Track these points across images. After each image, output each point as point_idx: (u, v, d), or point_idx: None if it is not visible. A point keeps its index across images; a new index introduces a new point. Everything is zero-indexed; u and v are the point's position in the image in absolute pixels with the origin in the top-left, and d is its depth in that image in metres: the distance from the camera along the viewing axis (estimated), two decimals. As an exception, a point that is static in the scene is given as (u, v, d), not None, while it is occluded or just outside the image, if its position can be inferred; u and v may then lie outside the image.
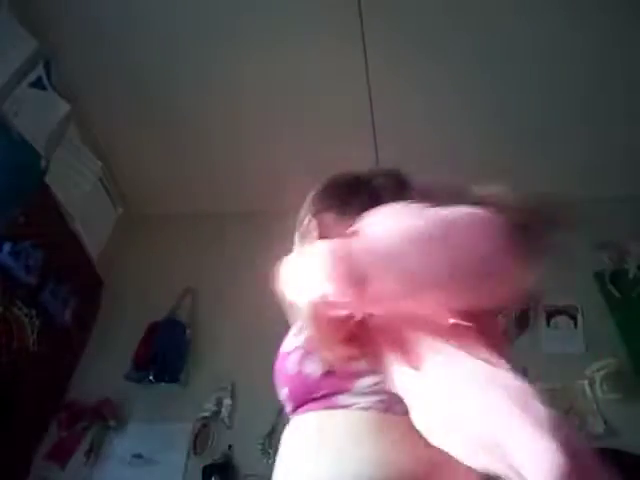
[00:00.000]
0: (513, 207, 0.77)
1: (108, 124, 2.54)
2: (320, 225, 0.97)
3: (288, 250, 0.88)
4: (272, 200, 2.77)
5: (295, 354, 0.96)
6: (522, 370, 0.73)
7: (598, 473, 0.60)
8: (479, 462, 0.68)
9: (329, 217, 0.98)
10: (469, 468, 0.69)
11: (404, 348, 0.76)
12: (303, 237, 0.99)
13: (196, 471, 2.04)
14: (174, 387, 2.20)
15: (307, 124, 2.46)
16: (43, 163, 2.16)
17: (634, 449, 1.84)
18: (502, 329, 0.80)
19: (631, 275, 2.31)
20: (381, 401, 0.82)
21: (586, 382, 2.05)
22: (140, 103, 2.44)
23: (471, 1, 2.05)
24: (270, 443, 2.01)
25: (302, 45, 2.19)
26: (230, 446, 2.06)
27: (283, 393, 0.97)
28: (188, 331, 2.35)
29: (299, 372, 0.93)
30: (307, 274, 0.74)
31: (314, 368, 0.91)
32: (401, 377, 0.77)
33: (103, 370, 2.32)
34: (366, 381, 0.85)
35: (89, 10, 2.16)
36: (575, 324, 2.23)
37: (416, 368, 0.74)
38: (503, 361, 0.70)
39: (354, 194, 0.97)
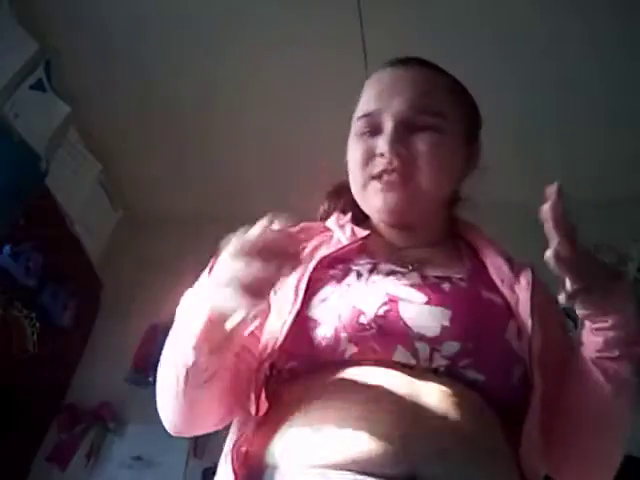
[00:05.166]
0: None
1: (108, 126, 2.54)
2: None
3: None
4: (273, 202, 2.77)
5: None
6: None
7: None
8: None
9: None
10: None
11: None
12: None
13: (196, 473, 2.03)
14: (174, 389, 2.20)
15: (308, 125, 2.46)
16: (43, 165, 2.16)
17: (634, 452, 1.84)
18: None
19: (631, 277, 2.31)
20: None
21: (586, 384, 2.05)
22: (140, 105, 2.45)
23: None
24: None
25: (302, 46, 2.19)
26: (230, 448, 2.05)
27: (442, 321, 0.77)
28: (188, 333, 2.35)
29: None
30: None
31: None
32: None
33: (103, 372, 2.32)
34: None
35: (89, 12, 2.16)
36: (575, 326, 2.22)
37: None
38: None
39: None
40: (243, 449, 0.73)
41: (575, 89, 2.27)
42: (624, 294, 0.75)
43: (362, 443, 0.66)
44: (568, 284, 0.73)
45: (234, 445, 0.73)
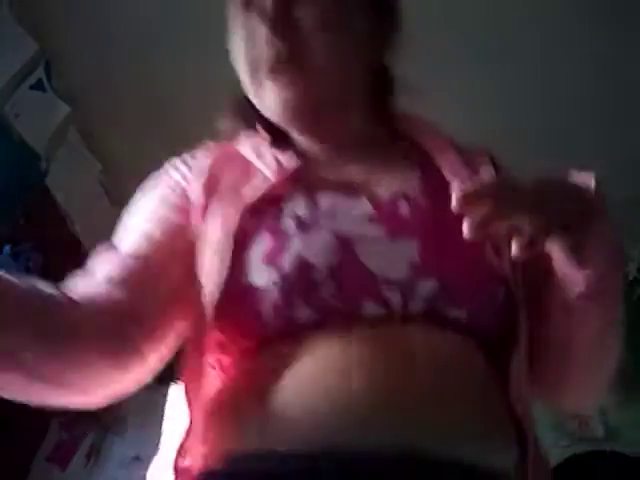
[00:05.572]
0: None
1: (108, 126, 2.54)
2: None
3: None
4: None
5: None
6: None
7: None
8: None
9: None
10: None
11: None
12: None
13: (196, 473, 2.03)
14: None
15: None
16: (43, 165, 2.16)
17: (634, 452, 1.84)
18: None
19: (631, 277, 2.31)
20: None
21: (586, 384, 2.05)
22: (141, 105, 2.45)
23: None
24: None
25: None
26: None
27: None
28: (188, 333, 2.35)
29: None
30: None
31: None
32: None
33: (103, 372, 2.32)
34: None
35: (89, 12, 2.16)
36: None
37: None
38: None
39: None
40: (186, 464, 0.63)
41: (576, 89, 2.26)
42: (603, 228, 0.63)
43: (343, 420, 0.57)
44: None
45: (175, 461, 0.63)
